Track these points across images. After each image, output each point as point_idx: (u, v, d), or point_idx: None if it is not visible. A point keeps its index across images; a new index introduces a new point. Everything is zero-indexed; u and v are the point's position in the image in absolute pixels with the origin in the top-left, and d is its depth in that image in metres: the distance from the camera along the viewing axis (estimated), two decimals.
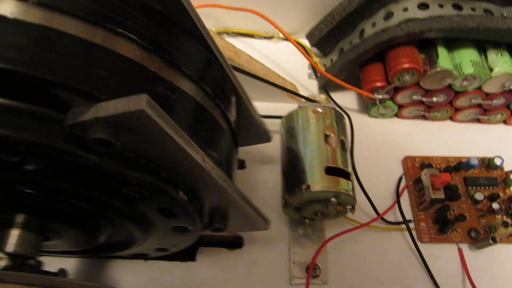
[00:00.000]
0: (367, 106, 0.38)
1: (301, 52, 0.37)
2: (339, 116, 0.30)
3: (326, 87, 0.38)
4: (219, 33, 0.41)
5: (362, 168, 0.35)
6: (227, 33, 0.41)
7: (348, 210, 0.29)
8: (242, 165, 0.35)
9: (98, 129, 0.15)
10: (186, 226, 0.24)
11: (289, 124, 0.30)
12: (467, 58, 0.32)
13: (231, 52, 0.33)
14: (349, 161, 0.29)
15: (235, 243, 0.32)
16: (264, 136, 0.29)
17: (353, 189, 0.28)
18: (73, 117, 0.16)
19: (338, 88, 0.39)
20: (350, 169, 0.29)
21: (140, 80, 0.19)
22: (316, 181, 0.27)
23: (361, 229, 0.33)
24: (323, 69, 0.38)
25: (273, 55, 0.41)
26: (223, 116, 0.24)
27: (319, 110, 0.30)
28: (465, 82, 0.33)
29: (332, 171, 0.27)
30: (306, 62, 0.41)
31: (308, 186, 0.27)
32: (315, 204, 0.28)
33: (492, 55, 0.33)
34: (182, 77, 0.22)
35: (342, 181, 0.27)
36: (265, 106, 0.36)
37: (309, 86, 0.40)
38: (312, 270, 0.29)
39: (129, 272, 0.30)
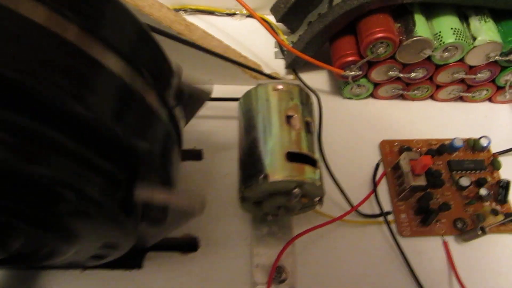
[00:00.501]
0: (339, 87, 0.34)
1: (266, 28, 0.33)
2: (304, 95, 0.26)
3: (293, 66, 0.34)
4: (176, 10, 0.37)
5: (335, 155, 0.31)
6: (185, 10, 0.37)
7: (317, 203, 0.25)
8: (198, 155, 0.31)
9: None
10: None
11: (247, 105, 0.26)
12: (448, 26, 0.28)
13: (181, 26, 0.29)
14: (316, 146, 0.25)
15: (189, 246, 0.27)
16: (203, 96, 0.25)
17: (320, 178, 0.24)
18: None
19: (308, 68, 0.35)
20: (317, 156, 0.25)
21: (50, 50, 0.15)
22: (276, 169, 0.23)
23: (334, 224, 0.29)
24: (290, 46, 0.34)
25: (236, 34, 0.37)
26: (159, 99, 0.20)
27: (281, 87, 0.25)
28: (446, 54, 0.29)
29: (295, 157, 0.23)
30: (272, 41, 0.37)
31: (266, 176, 0.22)
32: (276, 197, 0.24)
33: (475, 22, 0.29)
34: (107, 51, 0.18)
35: (307, 169, 0.23)
36: (224, 89, 0.32)
37: (276, 67, 0.36)
38: (274, 274, 0.25)
39: (64, 285, 0.26)
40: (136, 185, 0.19)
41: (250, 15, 0.38)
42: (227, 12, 0.37)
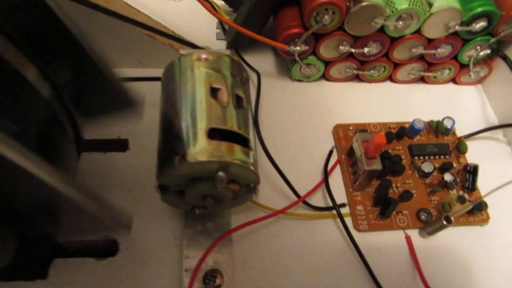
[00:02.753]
0: (288, 68, 0.30)
1: (203, 5, 0.29)
2: (237, 67, 0.22)
3: (235, 45, 0.30)
4: None
5: (283, 143, 0.27)
6: None
7: (251, 191, 0.21)
8: (123, 146, 0.26)
9: None
10: None
11: (168, 78, 0.22)
12: None
13: None
14: (251, 125, 0.21)
15: (106, 250, 0.23)
16: (125, 102, 0.21)
17: (254, 161, 0.20)
18: None
19: (253, 49, 0.32)
20: (251, 135, 0.21)
21: None
22: (196, 148, 0.19)
23: (281, 219, 0.25)
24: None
25: (174, 16, 0.33)
26: (38, 72, 0.16)
27: (205, 56, 0.22)
28: (400, 23, 0.26)
29: (221, 134, 0.20)
30: (214, 22, 0.33)
31: (183, 157, 0.18)
32: (199, 183, 0.19)
33: None
34: None
35: (236, 148, 0.19)
36: (155, 72, 0.28)
37: (218, 49, 0.32)
38: (201, 278, 0.21)
39: None
40: None
41: None
42: None
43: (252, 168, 0.20)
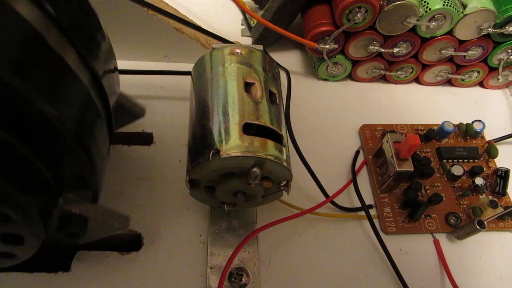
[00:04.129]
0: (314, 66, 0.30)
1: (235, 1, 0.29)
2: (269, 62, 0.22)
3: (262, 42, 0.30)
4: None
5: (309, 142, 0.27)
6: None
7: (282, 188, 0.20)
8: (148, 140, 0.26)
9: None
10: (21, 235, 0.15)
11: (199, 72, 0.22)
12: None
13: None
14: (283, 122, 0.21)
15: (130, 244, 0.23)
16: (136, 110, 0.21)
17: (287, 158, 0.20)
18: None
19: (279, 46, 0.31)
20: (284, 132, 0.20)
21: None
22: (230, 143, 0.18)
23: (307, 219, 0.24)
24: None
25: (199, 11, 0.33)
26: (79, 60, 0.16)
27: (239, 51, 0.21)
28: (433, 23, 0.25)
29: (255, 130, 0.19)
30: (239, 19, 0.33)
31: (217, 151, 0.18)
32: (231, 179, 0.19)
33: None
34: None
35: (270, 144, 0.19)
36: (179, 66, 0.28)
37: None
38: (233, 277, 0.21)
39: None
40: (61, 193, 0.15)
41: None
42: None
43: (285, 165, 0.19)
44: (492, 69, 0.30)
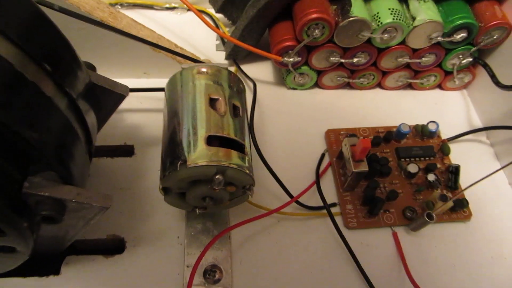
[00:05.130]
0: (283, 77, 0.32)
1: (201, 19, 0.31)
2: (233, 79, 0.24)
3: (234, 56, 0.33)
4: (112, 5, 0.35)
5: (278, 147, 0.29)
6: (121, 4, 0.35)
7: (247, 192, 0.23)
8: (129, 151, 0.28)
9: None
10: (13, 247, 0.18)
11: (171, 90, 0.24)
12: (385, 6, 0.27)
13: (104, 13, 0.27)
14: (247, 132, 0.23)
15: (114, 248, 0.25)
16: (120, 90, 0.23)
17: (249, 165, 0.22)
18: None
19: (250, 59, 0.34)
20: (246, 142, 0.23)
21: None
22: (196, 154, 0.21)
23: (276, 218, 0.27)
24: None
25: (176, 28, 0.35)
26: (56, 88, 0.18)
27: (205, 70, 0.24)
28: (386, 35, 0.28)
29: (219, 141, 0.21)
30: (214, 35, 0.35)
31: (184, 161, 0.20)
32: (198, 185, 0.21)
33: (414, 3, 0.28)
34: None
35: (233, 154, 0.21)
36: (158, 82, 0.30)
37: (218, 60, 0.34)
38: (202, 273, 0.23)
39: None
40: (25, 178, 0.17)
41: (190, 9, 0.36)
42: (167, 6, 0.36)
43: (247, 171, 0.22)
44: (448, 73, 0.32)
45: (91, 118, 0.21)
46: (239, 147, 0.22)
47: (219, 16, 0.35)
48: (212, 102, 0.23)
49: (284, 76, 0.32)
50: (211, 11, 0.35)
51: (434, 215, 0.25)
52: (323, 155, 0.29)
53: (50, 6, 0.23)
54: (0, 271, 0.22)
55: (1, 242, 0.18)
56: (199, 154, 0.21)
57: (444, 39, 0.28)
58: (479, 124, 0.32)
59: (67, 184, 0.18)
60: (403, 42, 0.29)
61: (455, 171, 0.27)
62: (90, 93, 0.21)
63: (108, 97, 0.23)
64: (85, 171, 0.20)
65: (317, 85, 0.33)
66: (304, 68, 0.30)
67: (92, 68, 0.22)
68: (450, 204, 0.26)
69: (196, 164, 0.20)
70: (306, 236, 0.26)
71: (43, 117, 0.17)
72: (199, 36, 0.35)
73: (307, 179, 0.28)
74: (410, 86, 0.33)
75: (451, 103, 0.33)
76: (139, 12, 0.36)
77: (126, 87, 0.23)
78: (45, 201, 0.17)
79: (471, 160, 0.30)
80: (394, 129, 0.30)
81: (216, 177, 0.21)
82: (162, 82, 0.30)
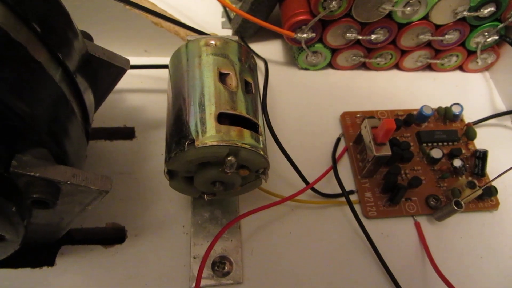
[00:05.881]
0: (294, 56, 0.30)
1: None
2: (244, 53, 0.22)
3: (241, 33, 0.30)
4: None
5: (290, 131, 0.27)
6: None
7: (260, 176, 0.21)
8: (130, 134, 0.26)
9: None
10: (2, 235, 0.16)
11: (176, 65, 0.22)
12: None
13: None
14: (260, 111, 0.21)
15: (114, 237, 0.23)
16: (120, 63, 0.21)
17: (264, 146, 0.20)
18: None
19: (259, 37, 0.32)
20: (260, 121, 0.21)
21: None
22: (205, 133, 0.18)
23: (289, 206, 0.25)
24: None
25: (179, 5, 0.33)
26: (49, 56, 0.16)
27: (213, 42, 0.21)
28: (408, 9, 0.26)
29: (230, 119, 0.19)
30: (219, 11, 0.33)
31: (192, 141, 0.18)
32: (208, 168, 0.19)
33: None
34: None
35: (246, 133, 0.19)
36: (160, 61, 0.28)
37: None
38: (210, 265, 0.21)
39: None
40: (13, 156, 0.15)
41: None
42: None
43: (261, 152, 0.19)
44: (471, 53, 0.30)
45: (88, 94, 0.19)
46: (252, 127, 0.20)
47: None
48: (222, 77, 0.20)
49: (295, 55, 0.30)
50: None
51: (462, 203, 0.23)
52: (338, 139, 0.27)
53: None
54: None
55: None
56: (209, 134, 0.18)
57: (470, 13, 0.26)
58: (502, 107, 0.30)
59: (61, 164, 0.16)
60: (425, 17, 0.27)
61: (482, 156, 0.25)
62: (87, 65, 0.19)
63: (106, 71, 0.21)
64: (82, 152, 0.18)
65: (330, 65, 0.30)
66: (318, 46, 0.28)
67: (89, 37, 0.20)
68: (479, 192, 0.24)
69: (206, 144, 0.18)
70: (322, 226, 0.24)
71: (34, 87, 0.15)
72: (203, 13, 0.33)
73: (321, 164, 0.26)
74: (429, 68, 0.31)
75: (473, 86, 0.31)
76: None
77: (126, 60, 0.21)
78: (36, 182, 0.15)
79: (496, 145, 0.28)
80: (415, 112, 0.28)
81: (228, 158, 0.18)
82: (164, 61, 0.28)
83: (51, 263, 0.22)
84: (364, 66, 0.31)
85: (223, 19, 0.32)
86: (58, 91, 0.16)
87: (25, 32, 0.15)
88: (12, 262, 0.21)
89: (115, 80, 0.21)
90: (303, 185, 0.24)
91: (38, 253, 0.22)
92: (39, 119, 0.15)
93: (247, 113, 0.20)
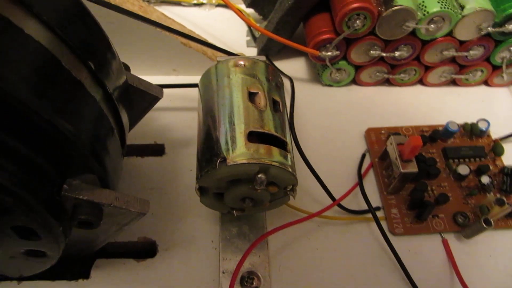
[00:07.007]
0: (318, 73, 0.31)
1: (235, 12, 0.30)
2: (272, 72, 0.23)
3: (266, 52, 0.31)
4: None
5: (315, 147, 0.28)
6: (148, 1, 0.34)
7: (288, 193, 0.21)
8: (160, 150, 0.27)
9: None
10: (44, 251, 0.16)
11: (206, 84, 0.23)
12: None
13: (134, 7, 0.26)
14: (287, 128, 0.22)
15: (146, 251, 0.24)
16: (154, 91, 0.22)
17: (292, 164, 0.20)
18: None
19: (283, 55, 0.32)
20: (288, 139, 0.21)
21: None
22: (236, 151, 0.19)
23: (315, 222, 0.25)
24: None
25: (205, 24, 0.34)
26: (91, 77, 0.17)
27: (242, 63, 0.22)
28: (432, 26, 0.26)
29: (259, 138, 0.20)
30: (244, 30, 0.34)
31: (224, 159, 0.19)
32: (239, 185, 0.20)
33: None
34: (28, 16, 0.15)
35: (275, 151, 0.20)
36: (187, 79, 0.29)
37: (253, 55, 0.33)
38: (238, 280, 0.21)
39: None
40: (65, 181, 0.16)
41: (219, 5, 0.35)
42: (194, 2, 0.35)
43: (290, 170, 0.20)
44: (496, 68, 0.30)
45: (124, 115, 0.20)
46: (281, 144, 0.20)
47: (250, 11, 0.33)
48: (251, 96, 0.21)
49: (319, 72, 0.30)
50: (241, 6, 0.34)
51: (492, 220, 0.22)
52: (363, 155, 0.27)
53: None
54: (26, 273, 0.21)
55: (34, 246, 0.17)
56: (239, 151, 0.19)
57: (495, 29, 0.26)
58: None
59: (103, 184, 0.17)
60: (449, 34, 0.27)
61: (510, 173, 0.25)
62: (124, 92, 0.20)
63: (141, 99, 0.22)
64: (119, 169, 0.19)
65: (354, 81, 0.31)
66: (342, 63, 0.29)
67: (126, 68, 0.21)
68: (508, 209, 0.24)
69: (236, 162, 0.19)
70: (348, 242, 0.24)
71: (77, 107, 0.16)
72: (229, 32, 0.34)
73: (347, 180, 0.26)
74: (453, 83, 0.31)
75: (498, 100, 0.31)
76: (166, 9, 0.35)
77: (160, 89, 0.22)
78: (83, 204, 0.15)
79: None
80: (440, 128, 0.28)
81: (259, 176, 0.19)
82: (192, 79, 0.29)
83: (86, 275, 0.23)
84: (387, 82, 0.31)
85: (248, 38, 0.33)
86: (99, 111, 0.17)
87: (69, 55, 0.16)
88: (49, 274, 0.22)
89: (149, 107, 0.23)
90: (329, 200, 0.25)
91: (74, 265, 0.23)
92: (83, 137, 0.16)
93: (276, 131, 0.20)
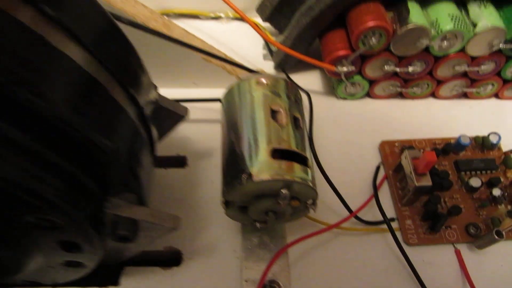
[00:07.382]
0: (333, 87, 0.32)
1: (253, 27, 0.31)
2: (291, 89, 0.24)
3: (283, 66, 0.32)
4: None
5: (331, 159, 0.29)
6: (167, 15, 0.36)
7: (309, 207, 0.22)
8: (182, 162, 0.28)
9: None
10: (82, 262, 0.18)
11: (229, 102, 0.24)
12: (445, 12, 0.26)
13: (158, 24, 0.27)
14: (307, 144, 0.23)
15: (171, 260, 0.25)
16: (180, 111, 0.23)
17: (312, 179, 0.21)
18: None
19: (299, 68, 0.33)
20: (308, 154, 0.22)
21: None
22: (260, 168, 0.20)
23: (333, 233, 0.26)
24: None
25: (222, 37, 0.35)
26: (125, 95, 0.18)
27: (264, 81, 0.23)
28: (445, 43, 0.27)
29: (282, 154, 0.21)
30: (260, 44, 0.35)
31: (250, 175, 0.20)
32: (263, 199, 0.21)
33: (474, 8, 0.27)
34: (69, 40, 0.16)
35: (296, 167, 0.21)
36: (208, 92, 0.30)
37: (268, 69, 0.34)
38: None
39: None
40: (106, 198, 0.17)
41: (236, 18, 0.36)
42: (212, 15, 0.36)
43: (311, 185, 0.21)
44: (507, 81, 0.31)
45: (154, 132, 0.21)
46: (302, 160, 0.21)
47: (265, 25, 0.34)
48: (273, 114, 0.22)
49: (334, 86, 0.31)
50: (257, 20, 0.35)
51: (503, 232, 0.23)
52: (378, 168, 0.28)
53: (116, 18, 0.23)
54: (60, 281, 0.22)
55: (74, 258, 0.18)
56: (264, 168, 0.20)
57: (506, 46, 0.27)
58: None
59: (139, 200, 0.18)
60: (461, 50, 0.28)
61: None
62: (154, 109, 0.21)
63: (167, 117, 0.23)
64: (152, 186, 0.20)
65: (368, 95, 0.32)
66: (357, 78, 0.30)
67: (154, 87, 0.22)
68: None
69: (262, 178, 0.20)
70: (365, 252, 0.25)
71: (113, 123, 0.17)
72: (245, 46, 0.35)
73: (362, 192, 0.27)
74: (465, 96, 0.32)
75: (509, 113, 0.32)
76: (184, 22, 0.36)
77: (186, 108, 0.23)
78: (121, 220, 0.17)
79: None
80: (452, 141, 0.29)
81: (282, 191, 0.20)
82: (211, 92, 0.30)
83: (116, 283, 0.24)
84: (400, 95, 0.32)
85: (264, 52, 0.34)
86: (134, 127, 0.18)
87: (106, 75, 0.17)
88: (81, 281, 0.23)
89: (174, 125, 0.24)
90: (345, 211, 0.26)
91: (104, 273, 0.24)
92: (120, 153, 0.17)
93: (297, 147, 0.21)
